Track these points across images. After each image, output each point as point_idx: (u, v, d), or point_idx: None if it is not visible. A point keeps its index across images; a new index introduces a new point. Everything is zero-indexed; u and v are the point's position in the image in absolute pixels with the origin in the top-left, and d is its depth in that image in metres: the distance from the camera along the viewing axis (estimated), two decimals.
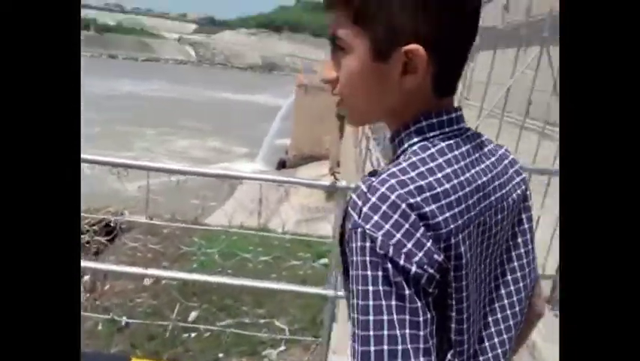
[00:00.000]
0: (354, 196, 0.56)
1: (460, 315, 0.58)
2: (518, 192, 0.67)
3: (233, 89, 67.96)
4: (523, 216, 0.69)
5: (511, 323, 0.67)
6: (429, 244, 0.53)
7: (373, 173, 0.59)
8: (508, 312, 0.67)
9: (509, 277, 0.68)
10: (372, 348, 0.51)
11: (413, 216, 0.53)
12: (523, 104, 4.59)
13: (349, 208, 0.56)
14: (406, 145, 0.60)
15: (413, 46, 0.54)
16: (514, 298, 0.67)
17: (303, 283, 5.89)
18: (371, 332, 0.52)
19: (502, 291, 0.67)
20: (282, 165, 24.84)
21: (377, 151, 7.47)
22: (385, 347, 0.51)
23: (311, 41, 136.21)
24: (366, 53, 0.57)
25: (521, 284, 0.68)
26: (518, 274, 0.68)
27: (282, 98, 49.59)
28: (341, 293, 2.07)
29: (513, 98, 4.81)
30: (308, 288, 3.78)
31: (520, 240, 0.69)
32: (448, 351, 0.59)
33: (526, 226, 0.69)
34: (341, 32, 0.58)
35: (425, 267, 0.53)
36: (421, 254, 0.53)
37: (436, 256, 0.54)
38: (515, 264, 0.68)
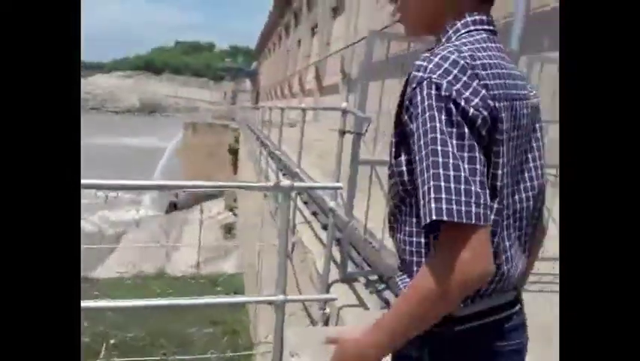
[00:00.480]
0: (417, 62, 0.66)
1: (500, 169, 0.67)
2: (534, 100, 0.78)
3: (110, 133, 62.73)
4: (537, 126, 0.80)
5: (531, 194, 0.77)
6: (483, 91, 0.64)
7: (429, 50, 0.71)
8: (530, 193, 0.77)
9: (531, 165, 0.78)
10: (441, 171, 0.59)
11: (469, 71, 0.64)
12: None
13: (413, 72, 0.66)
14: (453, 37, 0.72)
15: None
16: (535, 183, 0.78)
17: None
18: (440, 159, 0.60)
19: (526, 175, 0.77)
20: (172, 207, 23.47)
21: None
22: (451, 173, 0.59)
23: (193, 82, 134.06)
24: None
25: (536, 182, 0.78)
26: (533, 173, 0.78)
27: (164, 139, 47.30)
28: (291, 297, 2.12)
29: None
30: (256, 297, 3.72)
31: (534, 144, 0.79)
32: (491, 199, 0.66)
33: (538, 134, 0.80)
34: None
35: (480, 109, 0.63)
36: (477, 99, 0.63)
37: (489, 101, 0.64)
38: (531, 164, 0.78)
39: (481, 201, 0.60)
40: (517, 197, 0.74)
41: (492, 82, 0.66)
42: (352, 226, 2.32)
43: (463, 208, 0.58)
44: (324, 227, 3.48)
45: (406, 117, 0.66)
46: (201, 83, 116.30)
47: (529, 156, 0.77)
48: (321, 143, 7.08)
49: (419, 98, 0.63)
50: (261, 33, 47.60)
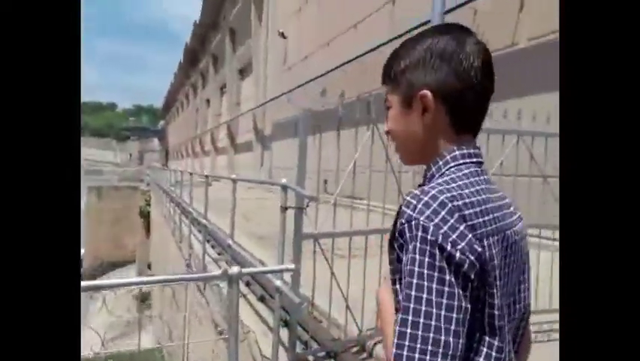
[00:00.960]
0: (407, 198, 0.69)
1: (496, 310, 0.68)
2: (520, 224, 0.80)
3: None
4: (525, 249, 0.81)
5: (518, 315, 0.79)
6: (470, 236, 0.65)
7: (421, 185, 0.75)
8: (517, 315, 0.79)
9: (522, 286, 0.79)
10: (409, 318, 0.61)
11: (457, 215, 0.65)
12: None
13: (403, 207, 0.68)
14: (443, 168, 0.75)
15: (423, 91, 0.74)
16: (522, 304, 0.80)
17: None
18: (411, 305, 0.62)
19: (517, 296, 0.78)
20: None
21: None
22: (421, 320, 0.61)
23: (93, 142, 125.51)
24: (398, 104, 0.78)
25: (523, 303, 0.80)
26: (523, 294, 0.80)
27: None
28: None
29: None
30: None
31: (523, 267, 0.80)
32: (482, 347, 0.68)
33: (525, 257, 0.80)
34: (386, 96, 0.80)
35: (467, 254, 0.63)
36: (463, 243, 0.64)
37: (476, 246, 0.65)
38: (522, 286, 0.79)
39: (449, 352, 0.60)
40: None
41: (480, 220, 0.68)
42: (303, 306, 2.19)
43: (427, 358, 0.59)
44: (261, 298, 3.40)
45: (396, 245, 0.69)
46: (103, 143, 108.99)
47: (521, 278, 0.79)
48: (243, 202, 7.21)
49: (407, 235, 0.65)
50: (168, 92, 47.23)
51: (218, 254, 4.65)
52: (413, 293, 0.62)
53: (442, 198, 0.67)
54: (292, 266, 2.21)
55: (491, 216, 0.70)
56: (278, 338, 2.31)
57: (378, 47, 7.17)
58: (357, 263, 2.47)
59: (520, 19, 5.54)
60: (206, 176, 5.03)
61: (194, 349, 4.27)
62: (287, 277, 2.41)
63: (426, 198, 0.67)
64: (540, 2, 5.19)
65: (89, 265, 20.58)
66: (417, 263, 0.63)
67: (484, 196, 0.72)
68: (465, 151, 0.76)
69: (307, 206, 2.23)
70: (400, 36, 6.55)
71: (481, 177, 0.75)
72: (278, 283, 2.24)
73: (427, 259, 0.63)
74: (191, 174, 6.03)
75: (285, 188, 2.30)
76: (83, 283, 1.55)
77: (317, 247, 2.32)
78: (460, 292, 0.62)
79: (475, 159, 0.76)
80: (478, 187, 0.72)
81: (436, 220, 0.64)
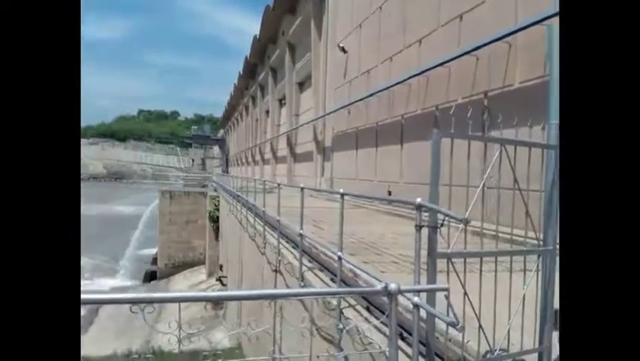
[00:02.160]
0: None
1: None
2: None
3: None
4: None
5: None
6: None
7: None
8: None
9: None
10: None
11: None
12: None
13: None
14: None
15: None
16: None
17: None
18: None
19: None
20: (151, 276, 23.02)
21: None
22: None
23: (158, 149, 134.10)
24: None
25: None
26: None
27: (133, 205, 46.12)
28: None
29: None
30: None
31: None
32: None
33: None
34: None
35: None
36: None
37: None
38: None
39: None
40: None
41: None
42: (458, 326, 2.00)
43: None
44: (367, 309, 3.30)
45: None
46: (167, 149, 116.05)
47: None
48: (313, 211, 7.56)
49: None
50: (227, 103, 49.62)
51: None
52: None
53: None
54: (445, 285, 2.12)
55: None
56: (417, 351, 2.19)
57: (448, 61, 7.55)
58: (488, 282, 2.38)
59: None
60: (302, 188, 4.76)
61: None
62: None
63: None
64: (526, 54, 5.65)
65: (163, 265, 22.29)
66: None
67: None
68: None
69: (442, 225, 2.16)
70: (469, 52, 6.92)
71: None
72: (415, 299, 2.17)
73: None
74: (279, 184, 6.41)
75: (419, 208, 2.20)
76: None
77: (450, 267, 2.22)
78: None
79: None
80: None
81: None
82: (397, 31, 10.15)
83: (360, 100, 11.74)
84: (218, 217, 18.35)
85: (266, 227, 7.12)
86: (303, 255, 4.96)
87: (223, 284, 15.61)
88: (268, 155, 28.34)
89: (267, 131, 29.47)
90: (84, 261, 28.51)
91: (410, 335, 2.47)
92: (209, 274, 18.56)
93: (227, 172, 38.32)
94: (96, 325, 15.96)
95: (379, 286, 2.05)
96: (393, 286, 1.95)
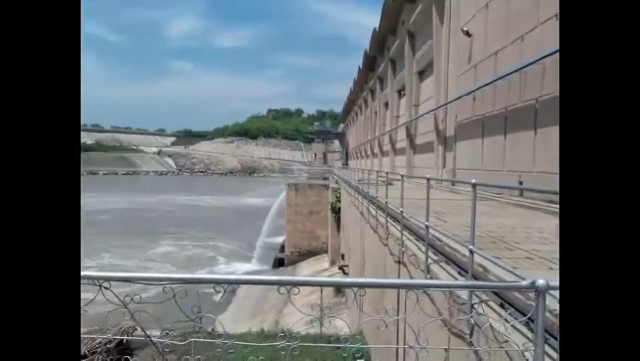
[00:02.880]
0: None
1: None
2: None
3: (217, 193, 68.75)
4: None
5: None
6: None
7: None
8: None
9: None
10: None
11: None
12: None
13: None
14: None
15: None
16: None
17: None
18: None
19: None
20: (279, 263, 24.96)
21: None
22: None
23: (284, 144, 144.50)
24: None
25: None
26: None
27: (263, 197, 50.50)
28: None
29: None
30: None
31: None
32: None
33: None
34: None
35: None
36: None
37: None
38: None
39: None
40: None
41: None
42: None
43: None
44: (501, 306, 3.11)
45: None
46: (292, 145, 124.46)
47: None
48: (431, 202, 7.37)
49: None
50: (347, 97, 50.81)
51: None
52: None
53: None
54: None
55: None
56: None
57: None
58: None
59: None
60: (428, 178, 4.77)
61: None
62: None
63: None
64: None
65: (290, 252, 24.03)
66: None
67: None
68: None
69: None
70: None
71: None
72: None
73: None
74: (402, 175, 6.45)
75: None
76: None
77: None
78: None
79: None
80: None
81: None
82: (530, 7, 9.19)
83: (488, 84, 10.95)
84: (339, 208, 18.99)
85: (388, 218, 7.18)
86: (429, 247, 4.92)
87: (345, 273, 16.16)
88: (387, 147, 28.26)
89: (385, 123, 29.38)
90: (222, 246, 32.31)
91: (553, 337, 2.34)
92: (332, 263, 19.39)
93: (347, 165, 39.26)
94: (234, 304, 17.92)
95: (525, 282, 1.85)
96: (541, 282, 1.73)
